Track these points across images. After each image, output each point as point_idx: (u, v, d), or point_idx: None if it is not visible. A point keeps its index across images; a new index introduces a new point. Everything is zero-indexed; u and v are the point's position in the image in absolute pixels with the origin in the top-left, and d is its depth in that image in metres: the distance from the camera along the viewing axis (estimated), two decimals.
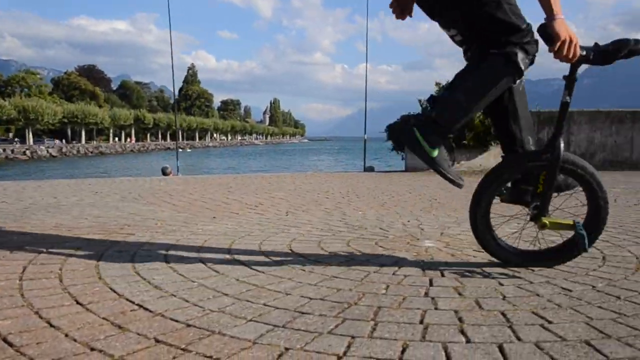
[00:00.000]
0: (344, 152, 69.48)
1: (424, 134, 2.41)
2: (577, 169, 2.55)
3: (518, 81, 2.51)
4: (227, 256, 2.81)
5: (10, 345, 1.62)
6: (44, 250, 2.91)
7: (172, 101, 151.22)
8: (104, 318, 1.85)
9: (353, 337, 1.71)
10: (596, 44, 2.40)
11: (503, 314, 1.95)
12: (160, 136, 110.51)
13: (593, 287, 2.31)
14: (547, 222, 2.60)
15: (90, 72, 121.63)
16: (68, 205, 4.92)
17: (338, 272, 2.52)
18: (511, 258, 2.70)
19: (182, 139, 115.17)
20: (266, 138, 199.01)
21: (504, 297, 2.17)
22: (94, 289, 2.19)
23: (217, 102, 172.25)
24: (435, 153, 2.43)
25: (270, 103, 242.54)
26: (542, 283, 2.38)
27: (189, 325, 1.78)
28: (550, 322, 1.86)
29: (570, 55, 2.30)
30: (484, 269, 2.65)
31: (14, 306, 2.00)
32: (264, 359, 1.54)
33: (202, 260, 2.69)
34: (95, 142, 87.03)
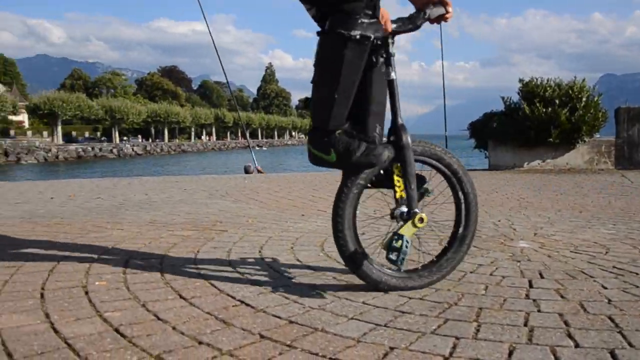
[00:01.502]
0: None
1: (315, 146, 2.21)
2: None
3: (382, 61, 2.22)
4: (321, 254, 2.82)
5: (123, 336, 1.69)
6: (143, 245, 3.02)
7: (250, 100, 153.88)
8: (207, 312, 1.90)
9: (457, 338, 1.68)
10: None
11: (610, 319, 1.88)
12: (240, 134, 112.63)
13: None
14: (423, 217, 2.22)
15: (172, 73, 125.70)
16: (159, 202, 5.09)
17: None
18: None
19: (261, 137, 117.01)
20: None
21: (609, 301, 2.08)
22: (195, 284, 2.25)
23: (295, 100, 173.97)
24: (333, 157, 2.18)
25: None
26: None
27: (291, 322, 1.80)
28: None
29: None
30: (583, 270, 2.55)
31: (122, 298, 2.08)
32: (369, 357, 1.54)
33: (297, 258, 2.72)
34: (177, 140, 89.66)
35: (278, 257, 2.74)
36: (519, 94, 10.85)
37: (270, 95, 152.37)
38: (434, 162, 2.31)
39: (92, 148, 65.86)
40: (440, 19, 2.33)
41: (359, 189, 2.23)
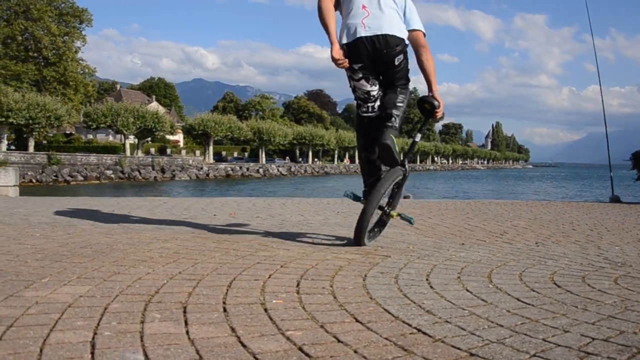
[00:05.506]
0: (577, 180, 65.00)
1: None
2: None
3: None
4: (490, 286, 2.76)
5: (308, 355, 1.76)
6: (311, 266, 3.12)
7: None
8: (386, 338, 1.93)
9: None
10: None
11: None
12: None
13: None
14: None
15: (318, 97, 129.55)
16: (316, 224, 5.23)
17: (615, 312, 2.36)
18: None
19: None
20: (488, 163, 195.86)
21: None
22: (368, 309, 2.30)
23: (438, 125, 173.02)
24: None
25: (493, 127, 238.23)
26: None
27: (472, 354, 1.78)
28: None
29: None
30: None
31: (300, 318, 2.16)
32: None
33: (466, 288, 2.68)
34: (320, 162, 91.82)
35: (446, 286, 2.72)
36: None
37: (413, 120, 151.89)
38: None
39: (240, 167, 68.97)
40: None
41: None
